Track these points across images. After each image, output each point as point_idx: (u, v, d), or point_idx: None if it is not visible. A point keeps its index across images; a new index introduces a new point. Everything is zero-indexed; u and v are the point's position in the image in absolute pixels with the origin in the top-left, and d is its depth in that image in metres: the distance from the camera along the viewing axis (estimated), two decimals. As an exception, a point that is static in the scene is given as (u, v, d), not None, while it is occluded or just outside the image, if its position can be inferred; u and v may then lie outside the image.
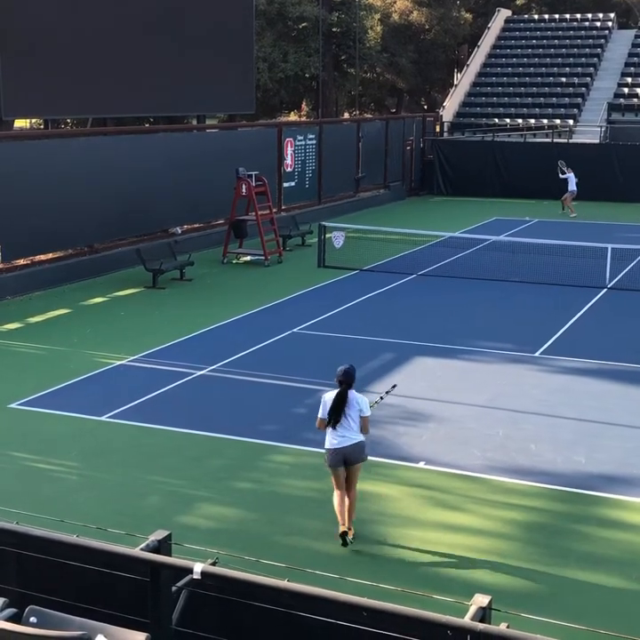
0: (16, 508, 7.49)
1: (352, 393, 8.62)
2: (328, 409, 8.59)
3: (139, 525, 8.18)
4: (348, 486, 8.68)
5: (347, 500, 8.62)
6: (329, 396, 8.66)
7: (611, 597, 7.77)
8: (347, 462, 8.63)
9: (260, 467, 10.33)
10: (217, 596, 4.85)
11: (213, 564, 4.78)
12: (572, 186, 30.36)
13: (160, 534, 5.01)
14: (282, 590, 4.48)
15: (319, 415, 8.69)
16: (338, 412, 8.52)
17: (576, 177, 30.36)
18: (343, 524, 8.49)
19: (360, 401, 8.63)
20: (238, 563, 5.16)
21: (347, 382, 8.60)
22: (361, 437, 8.63)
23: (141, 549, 4.82)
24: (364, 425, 8.66)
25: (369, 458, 10.41)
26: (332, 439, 8.60)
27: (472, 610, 4.31)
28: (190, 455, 10.62)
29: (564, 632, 4.63)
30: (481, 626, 4.15)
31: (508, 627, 4.30)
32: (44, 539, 4.97)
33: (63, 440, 11.06)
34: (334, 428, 8.56)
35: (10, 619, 4.44)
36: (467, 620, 4.21)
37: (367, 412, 8.65)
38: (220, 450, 10.79)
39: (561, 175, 30.44)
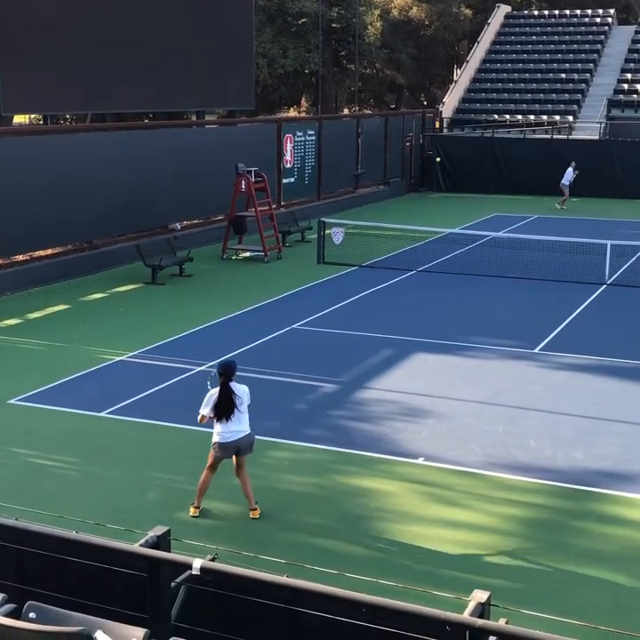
0: (15, 503, 7.50)
1: (234, 385, 8.77)
2: (214, 404, 8.73)
3: (138, 521, 8.18)
4: (238, 471, 8.99)
5: (239, 482, 9.00)
6: (213, 392, 8.81)
7: (610, 593, 7.77)
8: (238, 453, 8.90)
9: (258, 462, 10.32)
10: (216, 591, 4.85)
11: (213, 559, 4.77)
12: (564, 179, 30.75)
13: (159, 530, 5.01)
14: (281, 586, 4.48)
15: (201, 411, 8.84)
16: (230, 406, 8.68)
17: (574, 171, 30.66)
18: (197, 506, 8.93)
19: (244, 392, 8.81)
20: (237, 558, 5.17)
21: (226, 375, 8.76)
22: (249, 429, 8.87)
23: (140, 545, 4.82)
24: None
25: (368, 454, 10.47)
26: (224, 433, 8.78)
27: (471, 605, 4.31)
28: (189, 451, 10.62)
29: (564, 628, 4.63)
30: (480, 622, 4.15)
31: (507, 622, 4.30)
32: (43, 534, 4.97)
33: (63, 436, 11.06)
34: (227, 421, 8.72)
35: (9, 614, 4.44)
36: (466, 616, 4.21)
37: (247, 402, 8.85)
38: (219, 446, 10.78)
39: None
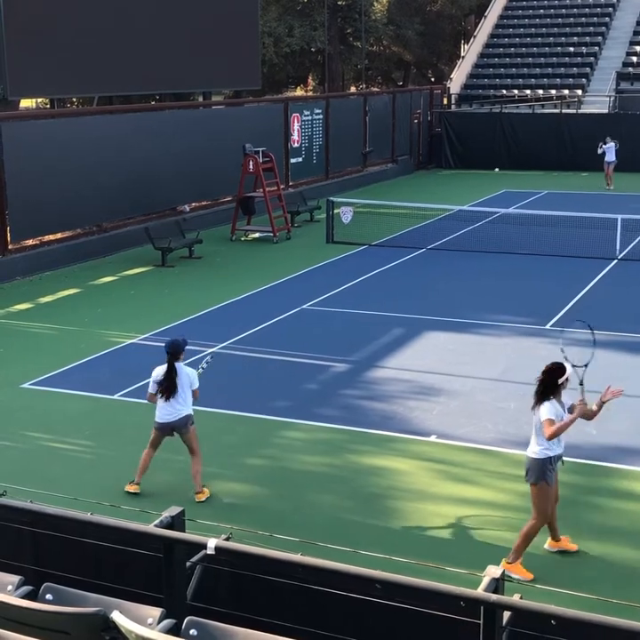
0: (30, 486, 7.55)
1: (180, 366, 8.88)
2: (158, 383, 8.86)
3: (152, 502, 8.23)
4: (191, 453, 9.08)
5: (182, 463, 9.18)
6: (158, 370, 8.92)
7: (622, 567, 7.78)
8: (176, 433, 9.04)
9: (271, 443, 10.37)
10: (231, 570, 4.88)
11: (227, 539, 4.79)
12: (611, 156, 29.87)
13: (173, 510, 5.03)
14: (295, 564, 4.50)
15: (149, 390, 9.00)
16: (172, 385, 8.79)
17: (616, 145, 29.84)
18: (136, 483, 9.00)
19: (190, 373, 8.95)
20: (252, 538, 5.19)
21: (173, 354, 8.84)
22: (189, 411, 9.00)
23: (155, 526, 4.85)
24: (195, 396, 9.01)
25: (381, 432, 10.49)
26: (162, 412, 8.92)
27: (485, 581, 4.32)
28: (202, 432, 10.62)
29: (577, 602, 4.64)
30: (494, 597, 4.16)
31: (520, 598, 4.31)
32: (58, 516, 5.00)
33: (76, 419, 11.11)
34: (168, 400, 8.85)
35: (26, 596, 4.47)
36: (480, 592, 4.22)
37: (196, 385, 8.99)
38: (231, 426, 10.83)
39: (599, 151, 30.03)
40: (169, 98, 27.54)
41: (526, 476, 7.59)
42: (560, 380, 7.53)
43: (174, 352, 8.88)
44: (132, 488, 9.04)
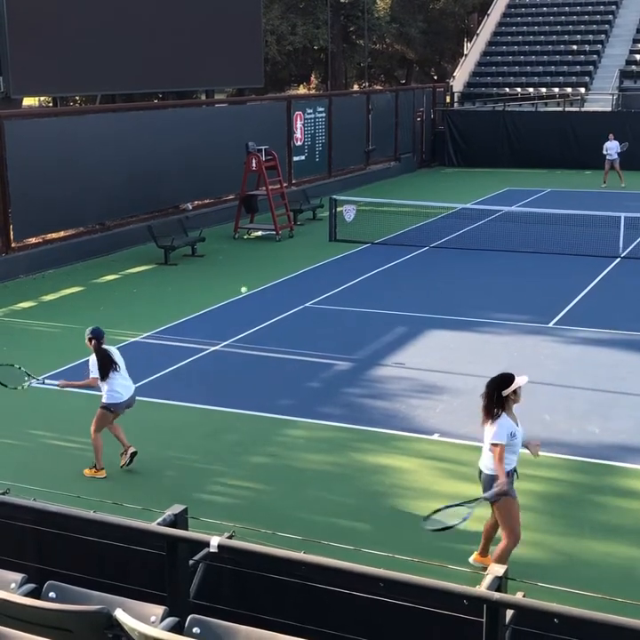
0: (33, 484, 7.56)
1: (109, 348, 9.50)
2: (98, 368, 9.30)
3: (155, 500, 8.24)
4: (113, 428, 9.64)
5: (113, 431, 9.62)
6: (93, 358, 9.41)
7: (625, 565, 7.78)
8: (128, 407, 9.60)
9: (274, 441, 10.38)
10: (234, 568, 4.88)
11: (230, 537, 4.80)
12: (614, 154, 29.56)
13: (176, 508, 5.03)
14: (298, 562, 4.51)
15: (91, 376, 9.42)
16: (111, 362, 9.31)
17: (621, 145, 29.56)
18: (101, 468, 9.43)
19: (118, 354, 9.52)
20: (255, 536, 5.19)
21: (97, 339, 9.42)
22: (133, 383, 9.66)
23: (158, 524, 4.85)
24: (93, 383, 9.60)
25: (383, 430, 10.52)
26: (121, 392, 9.38)
27: (488, 579, 4.32)
28: (205, 430, 10.67)
29: (580, 600, 4.64)
30: (497, 595, 4.16)
31: (524, 596, 4.31)
32: (61, 514, 5.01)
33: (79, 417, 11.11)
34: (114, 377, 9.29)
35: (29, 594, 4.48)
36: (483, 590, 4.22)
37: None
38: (234, 425, 10.84)
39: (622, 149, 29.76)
40: (171, 96, 27.53)
41: (484, 493, 7.22)
42: (505, 393, 7.06)
43: (99, 336, 9.41)
44: (98, 473, 9.35)
